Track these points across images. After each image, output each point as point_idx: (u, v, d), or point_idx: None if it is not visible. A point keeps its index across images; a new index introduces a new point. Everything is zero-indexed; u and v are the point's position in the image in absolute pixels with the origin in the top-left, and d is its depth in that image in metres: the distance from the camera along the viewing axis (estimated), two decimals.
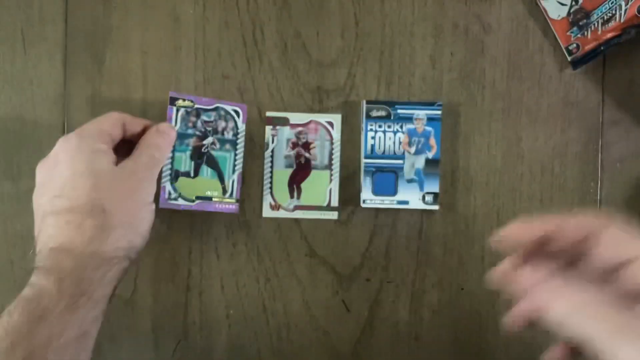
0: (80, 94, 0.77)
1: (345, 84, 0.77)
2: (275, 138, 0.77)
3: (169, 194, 0.72)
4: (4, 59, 0.77)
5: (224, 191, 0.74)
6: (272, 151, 0.77)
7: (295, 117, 0.77)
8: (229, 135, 0.74)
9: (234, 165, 0.75)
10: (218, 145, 0.74)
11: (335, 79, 0.77)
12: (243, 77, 0.77)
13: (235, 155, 0.75)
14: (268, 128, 0.77)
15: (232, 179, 0.75)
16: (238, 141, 0.75)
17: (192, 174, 0.73)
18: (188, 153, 0.73)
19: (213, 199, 0.74)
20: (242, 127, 0.75)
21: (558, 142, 0.77)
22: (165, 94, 0.73)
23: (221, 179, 0.74)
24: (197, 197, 0.73)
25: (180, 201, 0.73)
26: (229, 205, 0.74)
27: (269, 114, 0.77)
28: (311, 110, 0.77)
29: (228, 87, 0.77)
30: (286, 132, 0.77)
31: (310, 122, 0.77)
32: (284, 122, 0.77)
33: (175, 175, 0.73)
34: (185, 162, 0.73)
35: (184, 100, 0.73)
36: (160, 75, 0.77)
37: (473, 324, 0.77)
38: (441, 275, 0.77)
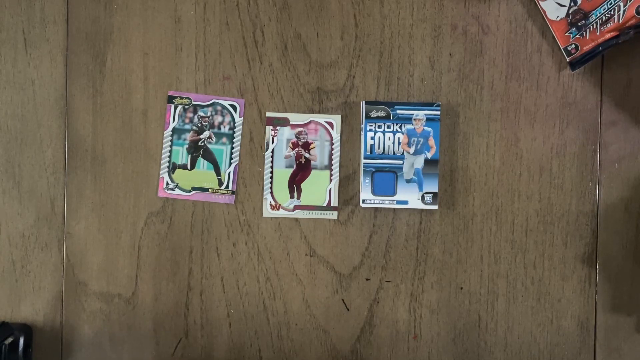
0: (81, 95, 0.78)
1: (344, 84, 0.77)
2: (275, 138, 0.77)
3: (167, 184, 0.75)
4: (5, 59, 0.78)
5: (220, 183, 0.76)
6: (272, 151, 0.77)
7: (295, 118, 0.77)
8: (225, 129, 0.76)
9: (231, 158, 0.76)
10: (214, 139, 0.76)
11: (335, 80, 0.77)
12: (243, 78, 0.78)
13: (232, 148, 0.76)
14: (268, 128, 0.77)
15: (229, 172, 0.76)
16: (235, 135, 0.76)
17: (189, 167, 0.76)
18: (185, 147, 0.76)
19: (209, 190, 0.76)
20: (239, 120, 0.76)
21: (556, 142, 0.77)
22: (166, 95, 0.73)
23: (217, 171, 0.76)
24: (194, 188, 0.76)
25: (177, 191, 0.75)
26: (225, 196, 0.76)
27: (269, 114, 0.77)
28: (311, 110, 0.78)
29: (228, 88, 0.77)
30: (286, 132, 0.77)
31: (310, 122, 0.77)
32: (284, 122, 0.77)
33: (173, 168, 0.75)
34: (182, 155, 0.76)
35: (181, 98, 0.75)
36: (161, 76, 0.77)
37: (472, 323, 0.77)
38: (440, 274, 0.77)
